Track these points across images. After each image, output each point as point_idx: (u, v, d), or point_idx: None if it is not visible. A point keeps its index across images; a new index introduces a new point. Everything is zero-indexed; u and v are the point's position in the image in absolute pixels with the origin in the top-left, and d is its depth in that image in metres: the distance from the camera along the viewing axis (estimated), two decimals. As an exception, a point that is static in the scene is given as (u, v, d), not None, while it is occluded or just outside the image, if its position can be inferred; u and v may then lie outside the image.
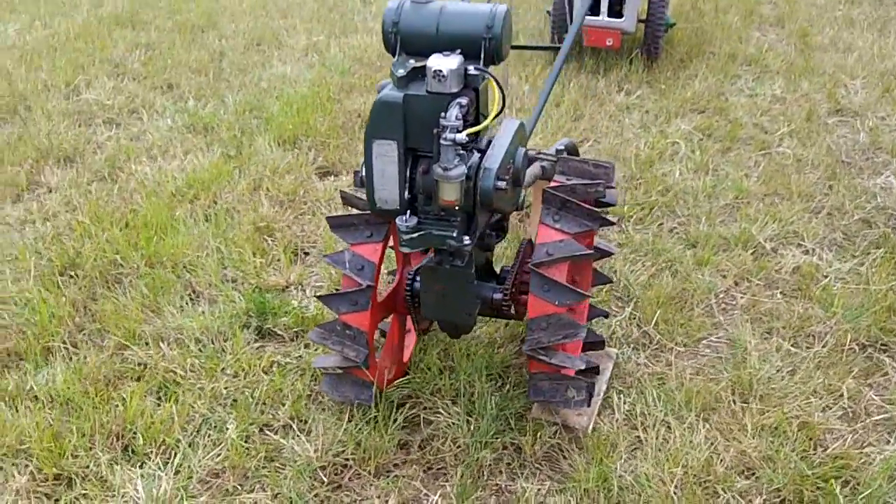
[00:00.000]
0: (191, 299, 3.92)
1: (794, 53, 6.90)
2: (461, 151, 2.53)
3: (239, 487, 2.94)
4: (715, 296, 3.93)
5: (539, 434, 3.09)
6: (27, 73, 6.57)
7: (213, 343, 3.60)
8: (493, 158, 2.71)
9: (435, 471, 3.03)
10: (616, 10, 6.12)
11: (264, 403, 3.28)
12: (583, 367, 2.85)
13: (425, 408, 3.25)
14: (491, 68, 2.73)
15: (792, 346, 3.60)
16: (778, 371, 3.42)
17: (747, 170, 5.03)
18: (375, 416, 3.13)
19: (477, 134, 2.67)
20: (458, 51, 2.64)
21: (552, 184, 2.99)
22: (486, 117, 2.69)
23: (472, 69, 2.58)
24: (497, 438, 3.08)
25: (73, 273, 4.12)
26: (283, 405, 3.27)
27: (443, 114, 2.48)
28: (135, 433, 3.13)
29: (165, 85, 6.47)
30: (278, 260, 4.18)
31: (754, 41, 7.14)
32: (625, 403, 3.28)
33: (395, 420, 3.15)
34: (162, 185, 4.90)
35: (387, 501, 2.89)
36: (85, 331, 3.73)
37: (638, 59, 6.41)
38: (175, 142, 5.51)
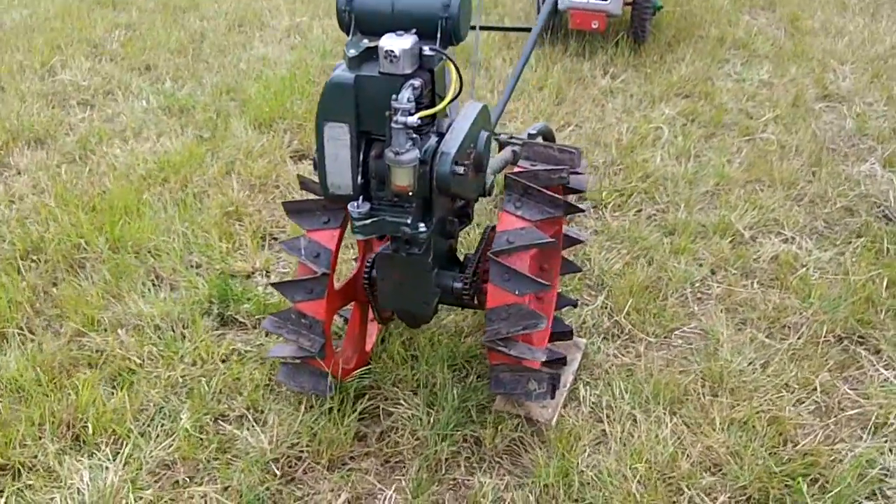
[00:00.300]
0: (154, 285, 3.83)
1: (783, 38, 6.79)
2: (414, 135, 2.43)
3: (188, 479, 2.86)
4: (690, 285, 3.83)
5: (500, 427, 3.01)
6: (3, 55, 6.45)
7: (172, 330, 3.51)
8: (452, 143, 2.62)
9: (392, 464, 2.94)
10: (601, -9, 6.00)
11: (221, 392, 3.19)
12: (544, 360, 2.76)
13: (385, 399, 3.16)
14: (450, 50, 2.63)
15: (766, 337, 3.51)
16: (750, 364, 3.33)
17: (730, 156, 4.93)
18: (332, 408, 3.05)
19: (433, 117, 2.57)
20: (414, 31, 2.53)
21: (516, 169, 2.89)
22: (442, 100, 2.59)
23: (427, 50, 2.48)
24: (457, 431, 3.00)
25: (35, 258, 4.02)
26: (241, 395, 3.18)
27: (394, 96, 2.38)
28: (86, 423, 3.04)
29: (143, 66, 6.35)
30: (245, 245, 4.08)
31: (744, 25, 7.02)
32: (591, 395, 3.19)
33: (355, 411, 3.06)
34: (133, 167, 4.80)
35: (339, 496, 2.80)
36: (43, 316, 3.64)
37: (624, 43, 6.29)
38: (149, 124, 5.41)
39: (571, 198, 3.79)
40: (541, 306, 3.33)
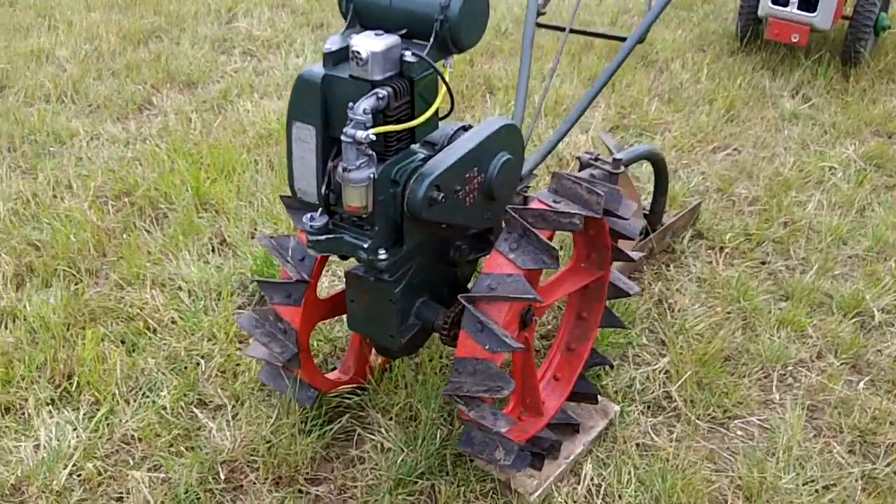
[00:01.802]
0: (213, 249, 3.75)
1: None
2: (370, 152, 2.11)
3: (139, 462, 2.75)
4: (783, 367, 3.23)
5: (471, 487, 2.65)
6: (198, -6, 6.66)
7: (203, 300, 3.41)
8: (437, 164, 2.27)
9: (343, 497, 2.67)
10: (809, 1, 5.23)
11: (214, 376, 3.05)
12: (503, 430, 2.37)
13: (366, 424, 2.89)
14: (453, 59, 2.27)
15: (846, 453, 2.88)
16: (808, 484, 2.74)
17: (904, 218, 4.14)
18: (307, 420, 2.81)
19: (410, 134, 2.23)
20: (405, 31, 2.20)
21: (535, 204, 2.49)
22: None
23: (408, 55, 2.14)
24: (420, 480, 2.68)
25: (126, 200, 4.08)
26: (235, 381, 3.02)
27: (350, 104, 2.07)
28: (78, 378, 3.00)
29: (318, 23, 6.32)
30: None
31: None
32: (595, 476, 2.75)
33: (328, 430, 2.82)
34: (254, 125, 4.76)
35: None
36: (103, 260, 3.66)
37: (828, 63, 5.48)
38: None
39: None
40: (568, 359, 2.92)
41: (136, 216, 3.96)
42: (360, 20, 2.29)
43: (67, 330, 3.22)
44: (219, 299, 3.41)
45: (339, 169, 2.11)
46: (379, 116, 2.13)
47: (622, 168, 3.23)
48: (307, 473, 2.73)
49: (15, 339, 3.18)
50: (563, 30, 3.22)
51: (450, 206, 2.32)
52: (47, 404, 2.93)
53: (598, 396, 2.92)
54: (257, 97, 5.17)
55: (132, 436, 2.82)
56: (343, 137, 2.06)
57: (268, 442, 2.76)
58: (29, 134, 4.68)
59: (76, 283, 3.50)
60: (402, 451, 2.75)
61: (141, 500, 2.60)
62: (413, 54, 2.13)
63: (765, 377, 3.20)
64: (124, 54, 5.70)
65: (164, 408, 2.91)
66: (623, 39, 3.11)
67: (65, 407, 2.92)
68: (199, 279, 3.48)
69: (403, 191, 2.23)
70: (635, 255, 2.88)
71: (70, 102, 5.06)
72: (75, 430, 2.82)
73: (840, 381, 3.15)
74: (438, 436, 2.77)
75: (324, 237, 2.26)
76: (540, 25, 3.28)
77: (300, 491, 2.68)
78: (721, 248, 3.88)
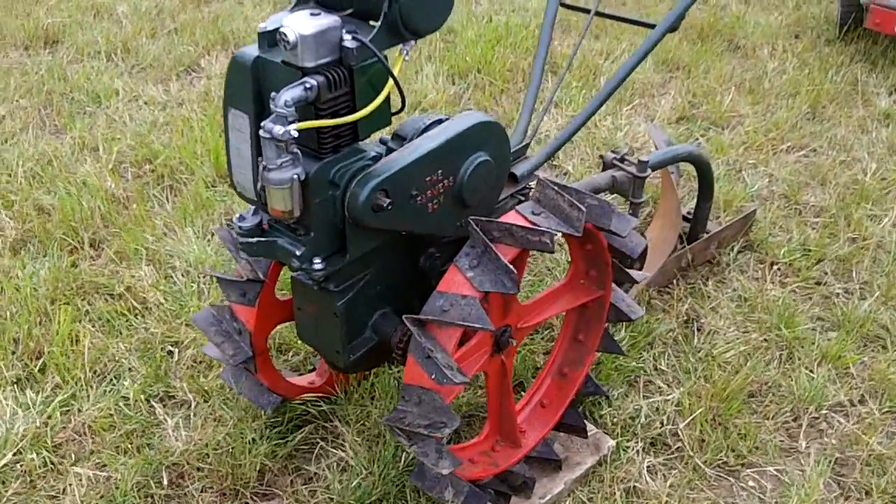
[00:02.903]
0: (222, 225, 3.56)
1: None
2: (294, 150, 1.85)
3: (87, 456, 2.59)
4: (816, 409, 2.83)
5: (426, 522, 2.39)
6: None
7: (198, 282, 3.23)
8: (388, 165, 2.00)
9: (289, 519, 2.45)
10: (919, -11, 4.66)
11: (186, 368, 2.87)
12: (444, 472, 2.09)
13: (331, 437, 2.66)
14: (414, 44, 1.98)
15: (872, 518, 2.49)
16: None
17: None
18: (267, 428, 2.60)
19: (353, 130, 1.95)
20: (351, 10, 1.92)
21: (509, 215, 2.17)
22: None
23: (348, 39, 1.85)
24: (375, 506, 2.43)
25: (148, 167, 3.94)
26: (207, 375, 2.83)
27: (273, 94, 1.80)
28: (46, 358, 2.87)
29: None
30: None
31: None
32: (571, 519, 2.44)
33: (292, 440, 2.60)
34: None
35: None
36: (107, 230, 3.52)
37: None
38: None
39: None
40: (559, 385, 2.61)
41: (152, 185, 3.81)
42: (317, -7, 2.01)
43: (52, 304, 3.09)
44: (211, 281, 3.22)
45: (260, 168, 1.86)
46: (310, 109, 1.86)
47: (648, 171, 2.87)
48: (256, 487, 2.52)
49: (-1, 310, 3.07)
50: (587, 12, 2.86)
51: (403, 213, 2.04)
52: (12, 383, 2.81)
53: (591, 429, 2.60)
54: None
55: (87, 427, 2.67)
56: (261, 133, 1.80)
57: (218, 448, 2.56)
58: (69, 92, 4.61)
59: (73, 254, 3.37)
60: (363, 471, 2.50)
61: (77, 500, 2.43)
62: (354, 39, 1.84)
63: (793, 420, 2.81)
64: (184, 12, 5.57)
65: (126, 398, 2.75)
66: (652, 27, 2.73)
67: (28, 388, 2.79)
68: (197, 259, 3.30)
69: (344, 194, 1.96)
70: (639, 275, 2.52)
71: (118, 61, 4.95)
72: (30, 415, 2.68)
73: (879, 434, 2.74)
74: (404, 459, 2.52)
75: (255, 239, 2.02)
76: (564, 5, 2.93)
77: (246, 504, 2.47)
78: (773, 264, 3.46)
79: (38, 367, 2.83)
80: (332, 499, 2.46)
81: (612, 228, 2.26)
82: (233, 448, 2.54)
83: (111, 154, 3.97)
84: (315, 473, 2.55)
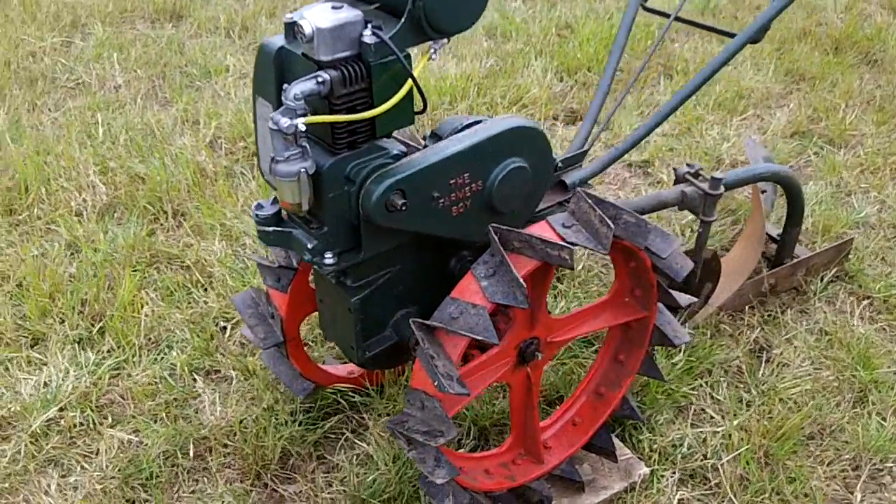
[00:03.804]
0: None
1: None
2: (304, 143, 1.83)
3: (127, 419, 2.67)
4: (881, 461, 2.62)
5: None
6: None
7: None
8: (408, 164, 1.95)
9: (303, 507, 2.46)
10: None
11: (237, 344, 2.92)
12: (440, 481, 2.03)
13: (359, 429, 2.64)
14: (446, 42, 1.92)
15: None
16: None
17: None
18: (297, 413, 2.62)
19: (370, 127, 1.92)
20: (377, 5, 1.88)
21: (534, 227, 2.09)
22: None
23: (367, 34, 1.81)
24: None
25: (242, 144, 4.04)
26: (252, 356, 2.88)
27: (284, 87, 1.79)
28: (105, 321, 2.98)
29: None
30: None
31: None
32: (585, 546, 2.34)
33: (322, 427, 2.61)
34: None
35: None
36: (192, 203, 3.63)
37: None
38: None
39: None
40: (594, 405, 2.51)
41: (242, 162, 3.89)
42: (355, -17, 1.98)
43: (124, 270, 3.20)
44: (279, 261, 3.26)
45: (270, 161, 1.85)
46: (325, 103, 1.83)
47: (721, 189, 2.71)
48: (277, 470, 2.53)
49: (75, 271, 3.21)
50: (668, 16, 2.72)
51: (421, 215, 1.99)
52: (74, 342, 2.93)
53: (626, 454, 2.49)
54: (418, 53, 4.94)
55: (130, 392, 2.75)
56: (269, 124, 1.79)
57: (246, 427, 2.59)
58: (184, 65, 4.77)
59: (153, 223, 3.49)
60: (382, 467, 2.48)
61: (105, 462, 2.52)
62: (374, 34, 1.80)
63: (853, 469, 2.60)
64: (308, -5, 5.67)
65: (173, 368, 2.82)
66: (732, 36, 2.56)
67: (86, 349, 2.90)
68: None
69: (360, 191, 1.93)
70: (684, 299, 2.38)
71: (235, 38, 5.09)
72: (82, 374, 2.78)
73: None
74: (425, 460, 2.47)
75: (271, 229, 2.02)
76: (645, 9, 2.79)
77: (265, 486, 2.49)
78: (867, 298, 3.21)
79: (97, 330, 2.94)
80: (346, 490, 2.44)
81: (651, 248, 2.14)
82: (259, 429, 2.56)
83: (209, 129, 4.09)
84: (336, 464, 2.54)
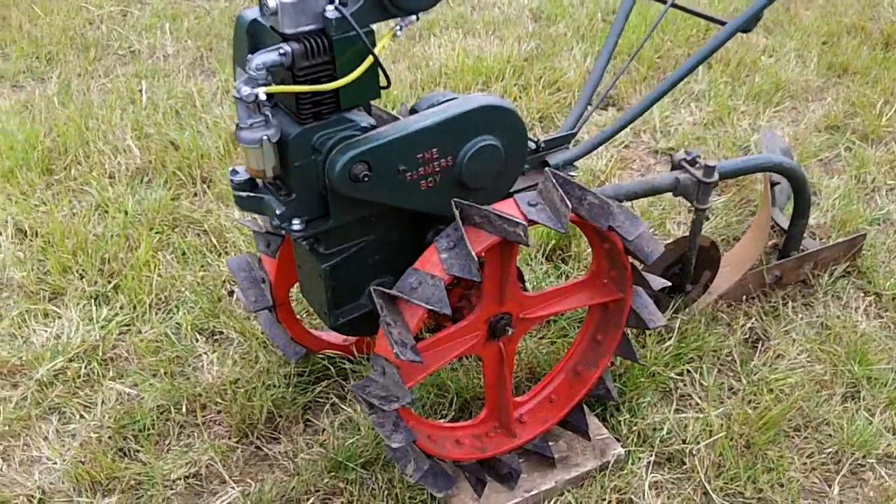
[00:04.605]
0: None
1: None
2: (267, 111, 1.91)
3: (128, 374, 2.81)
4: (864, 456, 2.60)
5: (402, 493, 2.43)
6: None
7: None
8: (374, 137, 2.02)
9: (287, 464, 2.56)
10: None
11: (244, 308, 3.03)
12: (395, 446, 2.11)
13: (347, 395, 2.73)
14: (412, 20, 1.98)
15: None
16: None
17: None
18: (295, 377, 2.73)
19: (335, 98, 1.99)
20: (350, -20, 1.95)
21: (501, 203, 2.14)
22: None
23: (330, 10, 1.89)
24: (360, 468, 2.49)
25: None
26: (255, 318, 2.99)
27: (248, 56, 1.88)
28: (120, 279, 3.14)
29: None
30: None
31: None
32: (550, 520, 2.40)
33: (313, 391, 2.71)
34: (431, 64, 4.62)
35: (179, 469, 2.53)
36: (222, 169, 3.75)
37: None
38: (508, 24, 5.10)
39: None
40: (571, 383, 2.55)
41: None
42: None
43: (149, 231, 3.35)
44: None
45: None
46: (289, 74, 1.91)
47: (715, 177, 2.71)
48: (263, 430, 2.64)
49: (101, 231, 3.37)
50: (664, 2, 2.72)
51: (386, 187, 2.05)
52: (90, 298, 3.08)
53: (603, 433, 2.54)
54: (460, 33, 5.00)
55: (136, 347, 2.89)
56: (233, 93, 1.88)
57: (237, 387, 2.70)
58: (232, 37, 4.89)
59: (180, 189, 3.63)
60: (361, 432, 2.57)
61: (102, 412, 2.66)
62: (336, 10, 1.87)
63: (834, 463, 2.59)
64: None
65: (179, 327, 2.95)
66: (723, 23, 2.55)
67: (101, 305, 3.05)
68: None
69: (325, 161, 2.01)
70: (657, 282, 2.40)
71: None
72: (92, 329, 2.94)
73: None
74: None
75: (244, 194, 2.11)
76: (646, -6, 2.80)
77: (251, 444, 2.61)
78: (877, 295, 3.17)
79: (112, 286, 3.09)
80: (325, 453, 2.54)
81: (619, 230, 2.17)
82: (250, 389, 2.67)
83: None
84: (322, 427, 2.64)
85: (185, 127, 3.97)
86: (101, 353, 2.86)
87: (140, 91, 4.31)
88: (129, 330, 2.96)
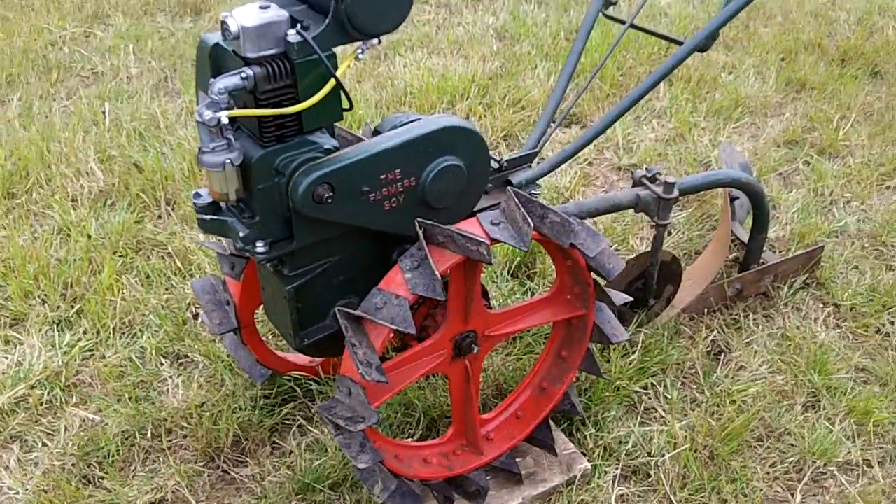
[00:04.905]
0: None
1: None
2: (229, 135, 1.92)
3: (92, 399, 2.79)
4: (825, 464, 2.64)
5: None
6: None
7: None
8: (337, 158, 2.03)
9: (255, 487, 2.55)
10: None
11: (209, 331, 3.02)
12: (361, 466, 2.11)
13: (314, 416, 2.73)
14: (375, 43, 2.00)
15: None
16: None
17: None
18: (261, 399, 2.72)
19: (297, 121, 2.00)
20: (306, 6, 1.97)
21: (464, 223, 2.16)
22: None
23: (292, 34, 1.90)
24: (328, 490, 2.49)
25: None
26: (220, 342, 2.98)
27: (210, 80, 1.89)
28: (83, 304, 3.11)
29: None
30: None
31: None
32: (517, 536, 2.41)
33: (280, 412, 2.70)
34: (395, 83, 4.65)
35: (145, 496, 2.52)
36: (187, 191, 3.74)
37: None
38: (473, 43, 5.15)
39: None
40: (537, 399, 2.57)
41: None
42: (290, -16, 2.07)
43: (113, 255, 3.33)
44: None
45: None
46: (250, 98, 1.92)
47: (675, 193, 2.75)
48: (230, 453, 2.63)
49: (64, 255, 3.34)
50: (624, 23, 2.77)
51: (350, 208, 2.07)
52: (52, 324, 3.06)
53: (569, 448, 2.56)
54: (425, 53, 5.04)
55: (100, 372, 2.87)
56: (195, 117, 1.89)
57: (203, 410, 2.69)
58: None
59: (145, 211, 3.62)
60: (328, 453, 2.57)
61: (65, 439, 2.64)
62: (297, 34, 1.89)
63: (796, 471, 2.63)
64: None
65: (143, 351, 2.94)
66: (681, 43, 2.60)
67: (63, 330, 3.03)
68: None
69: (288, 183, 2.02)
70: (619, 297, 2.44)
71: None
72: (55, 355, 2.91)
73: (887, 500, 2.52)
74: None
75: (208, 217, 2.12)
76: (606, 16, 2.84)
77: (217, 468, 2.60)
78: (836, 306, 3.23)
79: (75, 312, 3.07)
80: (292, 475, 2.53)
81: (580, 247, 2.20)
82: (215, 412, 2.66)
83: (210, 121, 4.19)
84: (289, 449, 2.63)
85: (149, 148, 3.96)
86: (63, 380, 2.83)
87: (103, 113, 4.29)
88: (93, 355, 2.94)
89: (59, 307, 3.10)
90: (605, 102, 4.55)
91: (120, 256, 3.33)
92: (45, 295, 3.13)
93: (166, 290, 3.19)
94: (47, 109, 4.43)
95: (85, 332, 3.01)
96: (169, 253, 3.37)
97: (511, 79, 4.72)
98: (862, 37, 5.19)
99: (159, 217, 3.60)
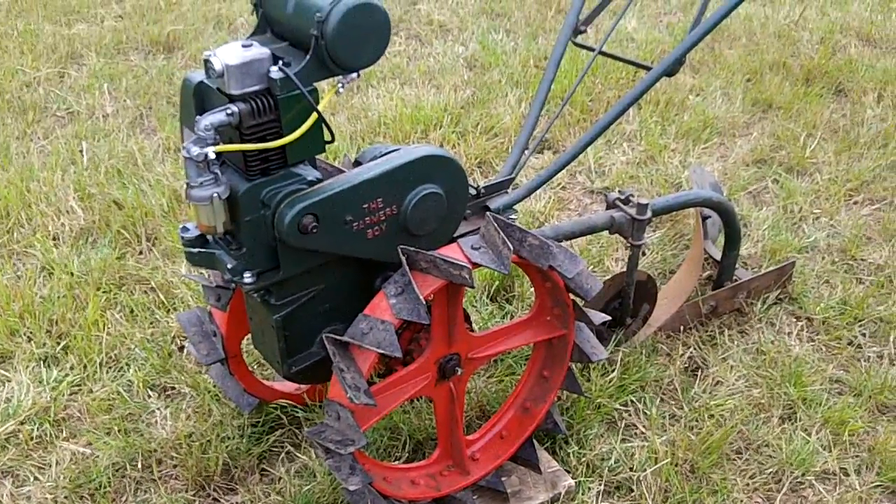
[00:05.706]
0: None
1: None
2: (216, 169, 1.98)
3: (82, 433, 2.81)
4: (802, 475, 2.71)
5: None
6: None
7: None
8: (321, 189, 2.09)
9: (240, 516, 2.59)
10: None
11: (195, 363, 3.06)
12: (352, 489, 2.16)
13: (302, 443, 2.77)
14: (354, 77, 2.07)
15: None
16: None
17: None
18: (248, 427, 2.76)
19: (281, 155, 2.06)
20: (287, 43, 2.04)
21: (446, 248, 2.23)
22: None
23: (274, 70, 1.97)
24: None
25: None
26: (206, 372, 3.02)
27: (197, 118, 1.95)
28: (69, 340, 3.14)
29: (501, 12, 6.16)
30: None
31: None
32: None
33: (268, 440, 2.74)
34: (370, 114, 4.72)
35: None
36: (166, 227, 3.78)
37: None
38: (444, 73, 5.24)
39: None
40: (520, 419, 2.63)
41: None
42: (269, 24, 2.15)
43: (97, 291, 3.36)
44: (239, 285, 3.41)
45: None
46: (236, 133, 1.99)
47: (648, 215, 2.83)
48: (220, 482, 2.66)
49: (48, 292, 3.37)
50: (593, 50, 2.86)
51: (334, 237, 2.13)
52: (39, 360, 3.08)
53: (553, 466, 2.61)
54: (398, 84, 5.12)
55: (88, 406, 2.89)
56: (182, 152, 1.94)
57: (193, 440, 2.72)
58: (172, 95, 4.96)
59: (126, 247, 3.65)
60: (318, 479, 2.61)
61: (57, 473, 2.66)
62: (280, 70, 1.96)
63: (775, 482, 2.70)
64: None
65: (130, 384, 2.97)
66: (649, 69, 2.70)
67: (50, 366, 3.05)
68: (230, 261, 3.50)
69: (274, 214, 2.08)
70: (598, 317, 2.51)
71: (222, 70, 5.27)
72: (43, 390, 2.93)
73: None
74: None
75: (196, 250, 2.17)
76: (575, 44, 2.94)
77: (208, 496, 2.63)
78: (808, 319, 3.32)
79: (61, 348, 3.10)
80: (282, 501, 2.57)
81: (558, 268, 2.27)
82: (204, 442, 2.69)
83: (188, 157, 4.24)
84: (279, 476, 2.67)
85: (128, 185, 4.00)
86: (52, 414, 2.85)
87: (81, 151, 4.33)
88: (81, 390, 2.96)
89: (45, 344, 3.12)
90: (577, 128, 4.65)
91: (104, 292, 3.36)
92: (31, 332, 3.15)
93: (151, 323, 3.22)
94: (25, 150, 4.45)
95: (72, 368, 3.03)
96: (152, 287, 3.40)
97: (483, 107, 4.81)
98: (825, 56, 5.33)
99: (141, 253, 3.63)
